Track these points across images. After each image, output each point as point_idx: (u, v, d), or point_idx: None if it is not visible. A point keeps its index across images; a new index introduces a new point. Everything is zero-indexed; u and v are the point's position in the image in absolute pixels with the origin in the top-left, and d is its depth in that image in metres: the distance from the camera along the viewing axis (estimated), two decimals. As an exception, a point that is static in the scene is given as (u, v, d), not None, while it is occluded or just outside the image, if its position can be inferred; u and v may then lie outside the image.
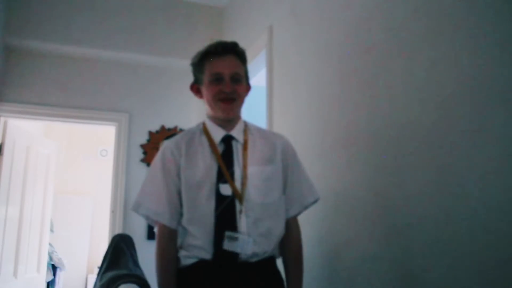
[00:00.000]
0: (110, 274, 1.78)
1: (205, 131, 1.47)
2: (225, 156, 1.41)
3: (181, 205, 1.40)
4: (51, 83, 3.52)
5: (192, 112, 3.78)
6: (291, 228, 1.47)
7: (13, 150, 3.61)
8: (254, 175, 1.39)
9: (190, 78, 1.53)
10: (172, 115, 3.80)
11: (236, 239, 1.31)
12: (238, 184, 1.37)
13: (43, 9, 3.41)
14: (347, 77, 1.83)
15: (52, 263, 4.79)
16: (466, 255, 1.18)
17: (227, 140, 1.44)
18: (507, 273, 1.06)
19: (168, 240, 1.39)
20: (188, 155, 1.42)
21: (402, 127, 1.47)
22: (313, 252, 1.88)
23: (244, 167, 1.40)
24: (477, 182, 1.16)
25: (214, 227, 1.33)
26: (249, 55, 1.52)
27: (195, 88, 1.51)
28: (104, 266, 1.96)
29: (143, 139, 3.71)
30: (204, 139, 1.45)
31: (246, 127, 1.51)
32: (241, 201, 1.36)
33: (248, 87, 1.52)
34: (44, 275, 4.31)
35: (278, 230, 1.42)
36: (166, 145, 1.46)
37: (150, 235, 3.43)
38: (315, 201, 1.52)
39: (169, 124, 3.79)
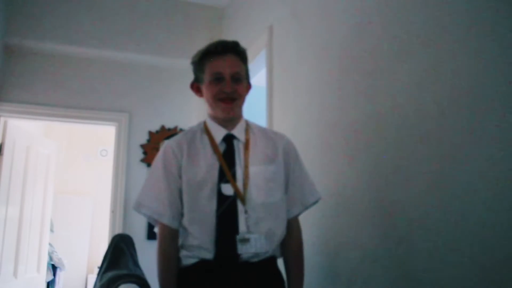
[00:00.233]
0: (110, 274, 1.78)
1: (206, 130, 1.46)
2: (226, 155, 1.40)
3: (182, 205, 1.39)
4: (51, 83, 3.52)
5: (192, 112, 3.77)
6: (292, 228, 1.46)
7: (13, 150, 3.60)
8: (256, 175, 1.38)
9: (190, 78, 1.52)
10: (172, 115, 3.80)
11: (248, 240, 1.31)
12: (240, 184, 1.37)
13: (43, 9, 3.41)
14: (347, 77, 1.83)
15: (52, 263, 4.79)
16: (466, 255, 1.18)
17: (229, 139, 1.43)
18: (507, 273, 1.06)
19: (169, 240, 1.38)
20: (189, 154, 1.41)
21: (402, 127, 1.47)
22: (313, 252, 1.87)
23: (246, 166, 1.39)
24: (477, 182, 1.16)
25: (215, 227, 1.33)
26: (249, 55, 1.52)
27: (195, 86, 1.50)
28: (104, 266, 1.96)
29: (143, 139, 3.71)
30: (205, 138, 1.44)
31: (248, 126, 1.50)
32: (243, 201, 1.35)
33: (248, 86, 1.51)
34: (44, 275, 4.31)
35: (280, 230, 1.41)
36: (167, 145, 1.45)
37: (150, 235, 3.42)
38: (316, 201, 1.51)
39: (169, 124, 3.79)
